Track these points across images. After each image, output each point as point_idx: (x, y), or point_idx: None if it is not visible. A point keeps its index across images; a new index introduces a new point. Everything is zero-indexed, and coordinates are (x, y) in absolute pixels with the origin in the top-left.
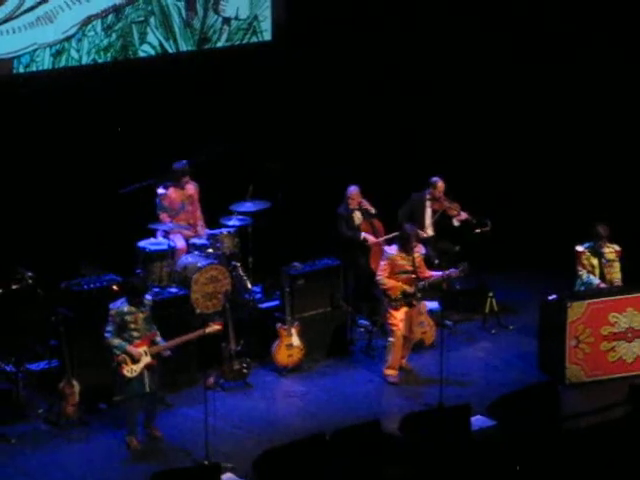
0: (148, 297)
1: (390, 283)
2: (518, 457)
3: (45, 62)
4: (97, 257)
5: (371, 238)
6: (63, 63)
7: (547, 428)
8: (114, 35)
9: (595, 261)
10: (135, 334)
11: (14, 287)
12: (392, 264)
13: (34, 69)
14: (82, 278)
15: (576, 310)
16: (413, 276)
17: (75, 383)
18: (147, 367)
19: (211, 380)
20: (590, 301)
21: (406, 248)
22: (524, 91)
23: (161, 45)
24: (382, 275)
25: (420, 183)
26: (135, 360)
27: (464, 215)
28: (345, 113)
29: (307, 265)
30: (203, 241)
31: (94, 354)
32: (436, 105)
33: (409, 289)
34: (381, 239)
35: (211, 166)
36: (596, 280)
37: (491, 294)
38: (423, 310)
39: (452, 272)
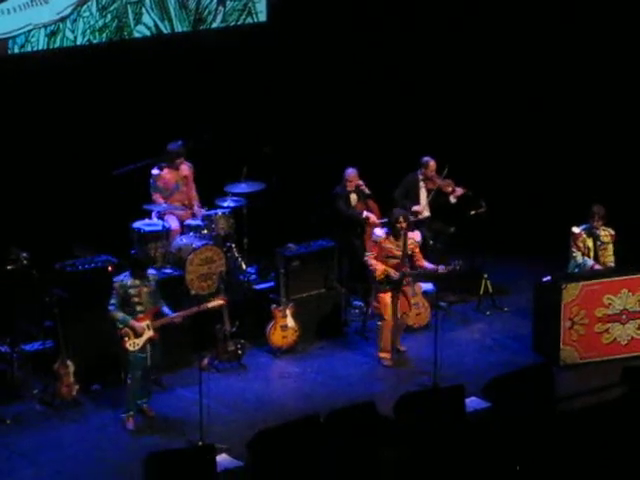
0: (153, 271)
1: (375, 264)
2: (512, 438)
3: (40, 42)
4: (91, 238)
5: (372, 216)
6: (58, 44)
7: (541, 409)
8: (109, 16)
9: (590, 243)
10: (138, 308)
11: (9, 268)
12: (379, 247)
13: (29, 49)
14: (76, 259)
15: (571, 292)
16: (399, 262)
17: (69, 364)
18: (150, 341)
19: (205, 361)
20: (584, 283)
21: (395, 232)
22: (519, 74)
23: (156, 26)
24: (369, 256)
25: (414, 164)
26: (138, 334)
27: (460, 190)
28: (339, 95)
29: (302, 246)
30: (198, 222)
31: (89, 335)
32: (431, 87)
33: (394, 274)
34: (380, 220)
35: (205, 149)
36: (590, 262)
37: (486, 275)
38: (418, 291)
39: (441, 269)
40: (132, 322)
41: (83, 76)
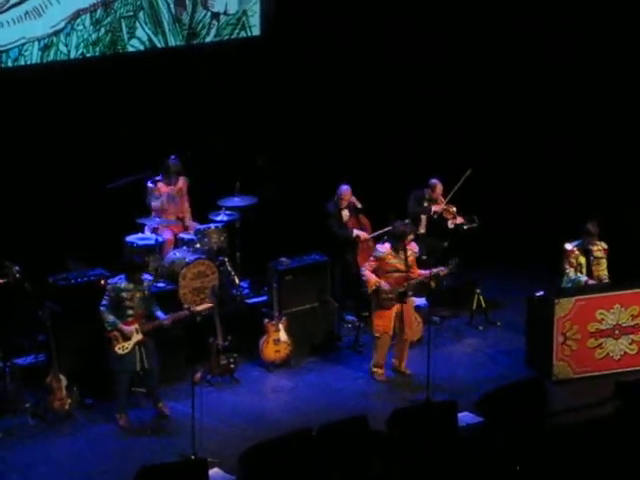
0: (148, 277)
1: (368, 276)
2: (505, 454)
3: (33, 56)
4: (84, 252)
5: (363, 234)
6: (52, 57)
7: (534, 425)
8: (103, 30)
9: (583, 259)
10: (129, 312)
11: (1, 281)
12: (382, 263)
13: (22, 63)
14: (69, 273)
15: (563, 306)
16: (404, 274)
17: (62, 377)
18: (138, 344)
19: (198, 375)
20: (577, 297)
21: (399, 246)
22: (514, 89)
23: (150, 40)
24: (365, 268)
25: (410, 178)
26: (126, 337)
27: (460, 219)
28: (333, 109)
29: (295, 260)
30: (191, 236)
31: (81, 349)
32: (428, 99)
33: (384, 285)
34: (371, 235)
35: (199, 162)
36: (584, 278)
37: (478, 290)
38: (410, 306)
39: (440, 270)
40: (121, 325)
41: (76, 90)
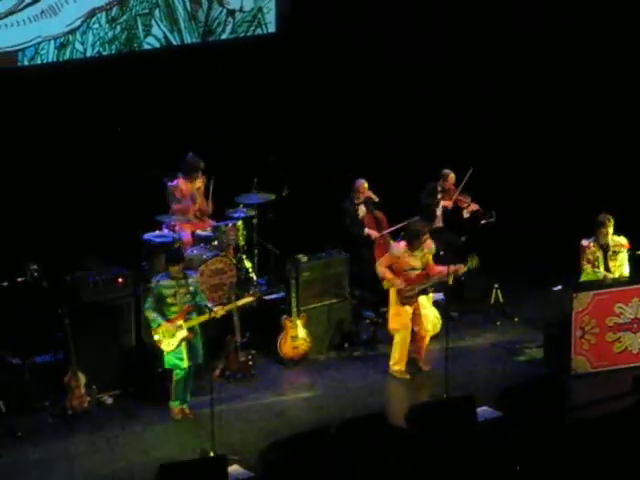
0: (193, 273)
1: (384, 273)
2: (524, 448)
3: (50, 55)
4: (102, 250)
5: (374, 233)
6: (68, 56)
7: (553, 419)
8: (119, 27)
9: (600, 254)
10: (173, 308)
11: (19, 280)
12: (398, 262)
13: (39, 62)
14: (87, 271)
15: (582, 301)
16: (420, 272)
17: (81, 376)
18: (184, 340)
19: (217, 372)
20: (595, 292)
21: (414, 245)
22: (529, 82)
23: (166, 37)
24: (380, 264)
25: (426, 173)
26: (172, 334)
27: (475, 206)
28: (348, 105)
29: (312, 257)
30: (209, 233)
31: (100, 347)
32: (440, 96)
33: (400, 284)
34: (385, 232)
35: (216, 159)
36: (601, 274)
37: (496, 285)
38: (429, 301)
39: (458, 267)
40: (165, 323)
41: (92, 88)
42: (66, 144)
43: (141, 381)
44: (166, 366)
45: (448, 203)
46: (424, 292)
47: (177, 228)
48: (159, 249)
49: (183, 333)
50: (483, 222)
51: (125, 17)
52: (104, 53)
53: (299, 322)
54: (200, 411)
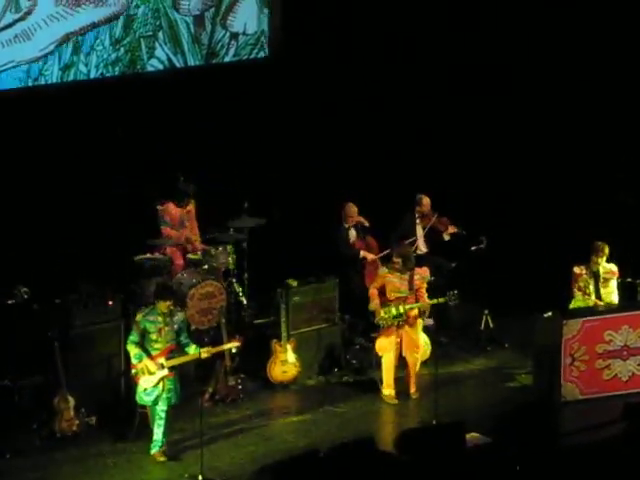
0: (181, 312)
1: (370, 295)
2: (513, 475)
3: (54, 76)
4: (94, 272)
5: (370, 256)
6: (72, 77)
7: (542, 446)
8: (122, 49)
9: (591, 282)
10: (156, 345)
11: (9, 302)
12: (385, 282)
13: (42, 82)
14: (78, 294)
15: (571, 328)
16: (404, 297)
17: (70, 398)
18: (164, 378)
19: (206, 396)
20: (585, 319)
21: (397, 266)
22: (516, 105)
23: (169, 60)
24: (372, 287)
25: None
26: (151, 372)
27: (452, 228)
28: (344, 129)
29: (302, 282)
30: (199, 257)
31: (89, 369)
32: (429, 121)
33: (377, 307)
34: (378, 256)
35: (206, 185)
36: (592, 301)
37: (486, 311)
38: (419, 327)
39: (437, 300)
40: (147, 359)
41: (95, 109)
42: (61, 165)
43: (130, 404)
44: (140, 402)
45: (427, 222)
46: (399, 318)
47: (168, 251)
48: (150, 272)
49: (164, 372)
50: (474, 248)
51: (129, 39)
52: (107, 75)
53: (289, 346)
54: (188, 435)
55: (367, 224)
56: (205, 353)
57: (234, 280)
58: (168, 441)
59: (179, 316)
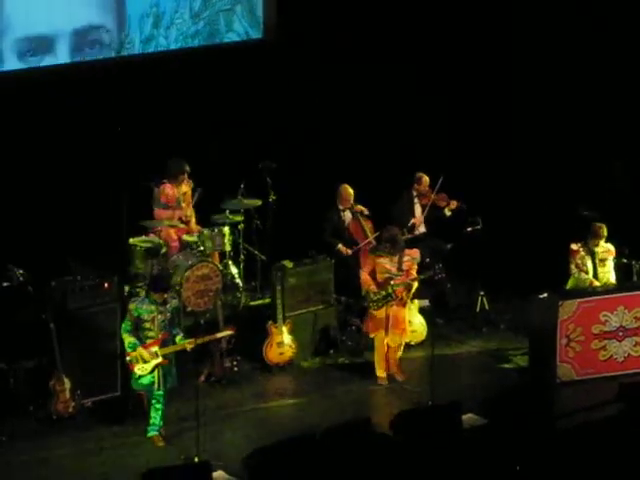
0: (175, 299)
1: (362, 277)
2: (509, 455)
3: (135, 48)
4: (88, 255)
5: (345, 250)
6: (152, 49)
7: (538, 426)
8: (201, 22)
9: (589, 260)
10: (150, 334)
11: (4, 284)
12: (375, 264)
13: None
14: (73, 276)
15: (567, 308)
16: (392, 278)
17: (66, 380)
18: (158, 366)
19: (202, 377)
20: (581, 300)
21: (388, 248)
22: (515, 90)
23: (247, 33)
24: (362, 270)
25: (409, 179)
26: (146, 360)
27: (454, 203)
28: (337, 110)
29: (298, 263)
30: (195, 238)
31: (85, 351)
32: (428, 104)
33: (373, 289)
34: (360, 245)
35: (203, 164)
36: (588, 280)
37: (482, 292)
38: (415, 308)
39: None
40: (140, 348)
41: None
42: (54, 148)
43: (127, 386)
44: (135, 387)
45: (417, 220)
46: (388, 298)
47: (163, 233)
48: (145, 254)
49: (158, 360)
50: (469, 229)
51: (208, 12)
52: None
53: (284, 328)
54: (185, 416)
55: (367, 212)
56: (189, 345)
57: (230, 262)
58: (164, 423)
59: (172, 303)
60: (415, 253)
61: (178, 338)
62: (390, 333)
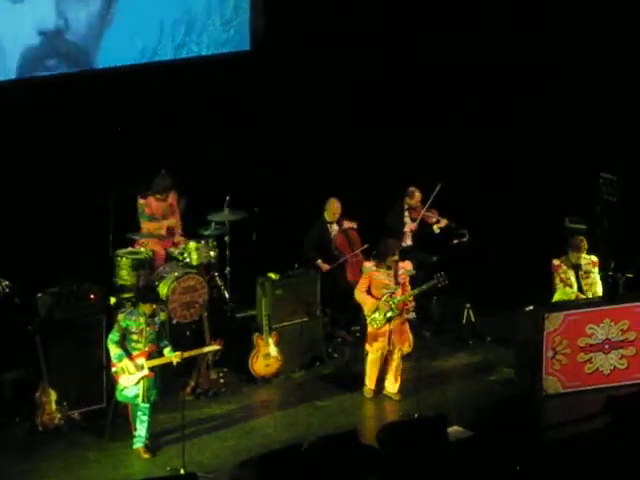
0: (163, 312)
1: (364, 299)
2: (495, 468)
3: (167, 54)
4: (75, 266)
5: (324, 266)
6: (184, 55)
7: (524, 439)
8: (232, 30)
9: (572, 274)
10: (137, 345)
11: None
12: (371, 280)
13: (156, 60)
14: (59, 287)
15: (553, 321)
16: (392, 292)
17: (51, 392)
18: (144, 378)
19: (188, 389)
20: (567, 312)
21: (383, 262)
22: (501, 104)
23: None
24: (358, 290)
25: (398, 192)
26: (131, 372)
27: (444, 221)
28: (324, 122)
29: (284, 275)
30: (181, 250)
31: (70, 363)
32: (416, 117)
33: (384, 305)
34: (332, 266)
35: (189, 176)
36: (574, 294)
37: (468, 305)
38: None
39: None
40: (126, 360)
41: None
42: (40, 159)
43: (112, 397)
44: (120, 399)
45: (413, 226)
46: (393, 314)
47: (149, 245)
48: (131, 266)
49: (144, 372)
50: (455, 242)
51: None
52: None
53: (271, 340)
54: (170, 428)
55: (355, 227)
56: (176, 358)
57: (216, 274)
58: (150, 434)
59: (161, 316)
60: (408, 265)
61: (167, 350)
62: (397, 345)
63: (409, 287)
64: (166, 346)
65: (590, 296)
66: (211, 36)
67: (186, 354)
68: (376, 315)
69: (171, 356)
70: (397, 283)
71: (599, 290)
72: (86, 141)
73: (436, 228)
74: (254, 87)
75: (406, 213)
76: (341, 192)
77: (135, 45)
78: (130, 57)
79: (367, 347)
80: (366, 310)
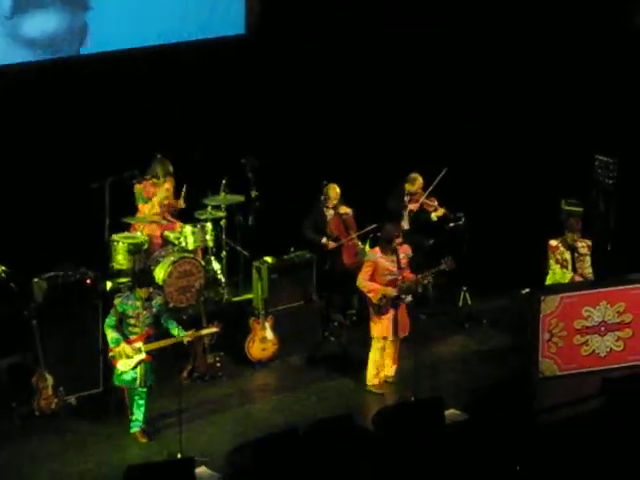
0: (160, 296)
1: (371, 287)
2: (492, 451)
3: None
4: (71, 251)
5: (331, 244)
6: None
7: (521, 421)
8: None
9: (568, 256)
10: (134, 329)
11: None
12: (376, 267)
13: None
14: (55, 272)
15: (549, 304)
16: (399, 278)
17: (48, 377)
18: (141, 362)
19: (185, 373)
20: (563, 295)
21: (388, 248)
22: (496, 88)
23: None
24: (362, 278)
25: (397, 176)
26: (129, 355)
27: (441, 211)
28: (322, 107)
29: (280, 259)
30: (177, 234)
31: (67, 348)
32: (415, 100)
33: (392, 292)
34: (346, 239)
35: (186, 160)
36: (569, 275)
37: (464, 288)
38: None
39: (427, 274)
40: (124, 344)
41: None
42: (35, 144)
43: (109, 382)
44: (117, 384)
45: (415, 206)
46: (397, 299)
47: (146, 229)
48: (128, 250)
49: (141, 356)
50: (451, 225)
51: None
52: None
53: (267, 324)
54: (167, 412)
55: (351, 213)
56: (188, 337)
57: (212, 258)
58: (147, 419)
59: (157, 300)
60: (407, 250)
61: (177, 330)
62: (400, 330)
63: (408, 271)
64: (175, 327)
65: (584, 278)
66: (206, 20)
67: (196, 334)
68: (383, 301)
69: (183, 335)
70: (400, 268)
71: (591, 274)
72: (81, 126)
73: (434, 216)
74: (249, 71)
75: (407, 198)
76: (336, 176)
77: (129, 29)
78: (125, 41)
79: (375, 335)
80: (373, 297)
